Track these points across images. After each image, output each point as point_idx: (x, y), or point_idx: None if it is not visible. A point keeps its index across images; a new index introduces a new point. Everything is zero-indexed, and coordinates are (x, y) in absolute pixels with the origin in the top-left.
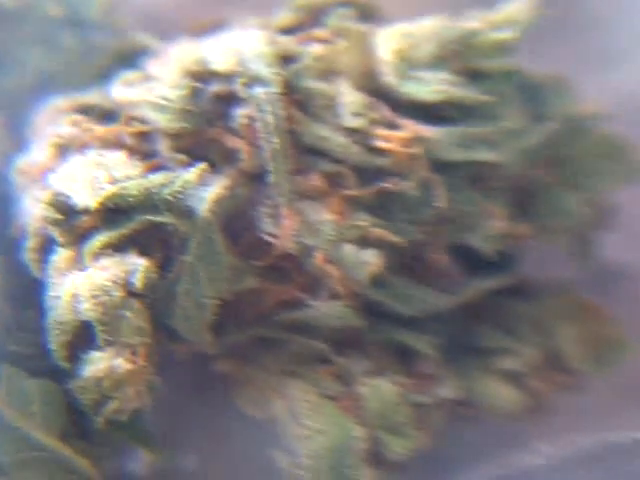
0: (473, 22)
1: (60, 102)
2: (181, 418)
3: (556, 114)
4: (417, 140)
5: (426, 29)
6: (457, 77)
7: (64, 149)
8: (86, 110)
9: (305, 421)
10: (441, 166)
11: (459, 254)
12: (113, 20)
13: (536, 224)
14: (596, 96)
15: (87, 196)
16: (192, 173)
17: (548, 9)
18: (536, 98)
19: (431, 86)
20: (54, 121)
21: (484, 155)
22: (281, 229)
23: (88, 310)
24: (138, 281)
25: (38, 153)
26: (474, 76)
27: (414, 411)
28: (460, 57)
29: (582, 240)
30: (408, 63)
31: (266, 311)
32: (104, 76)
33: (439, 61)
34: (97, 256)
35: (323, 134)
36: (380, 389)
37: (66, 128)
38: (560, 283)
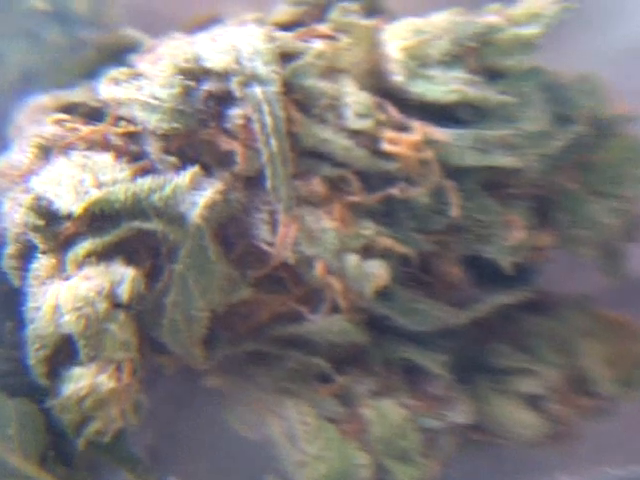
0: (491, 17)
1: (44, 100)
2: (168, 438)
3: (582, 115)
4: (428, 143)
5: (439, 24)
6: (472, 76)
7: (47, 150)
8: (71, 109)
9: (303, 445)
10: (454, 171)
11: (472, 265)
12: (100, 13)
13: (558, 234)
14: (625, 96)
15: (71, 201)
16: (183, 177)
17: (574, 2)
18: (560, 98)
19: (444, 85)
20: (37, 120)
21: (502, 160)
22: (279, 237)
23: (70, 323)
24: (124, 292)
25: (20, 154)
26: (491, 75)
27: (423, 436)
28: (477, 55)
29: (609, 252)
30: (419, 61)
31: (261, 324)
32: (91, 73)
33: (453, 59)
34: (81, 265)
35: (325, 136)
36: (385, 412)
37: (50, 128)
38: (583, 297)
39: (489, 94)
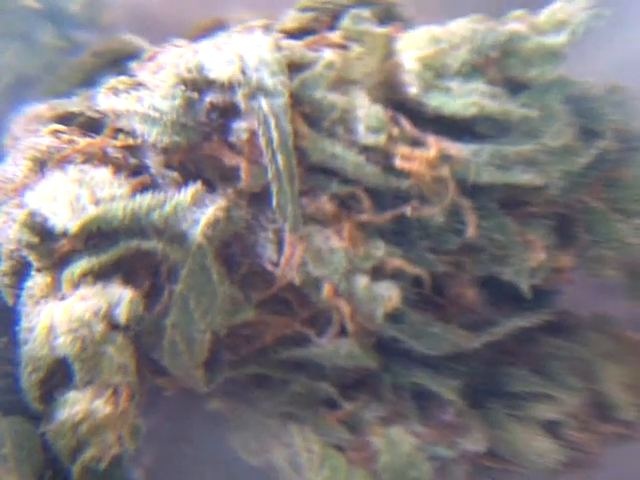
0: (514, 25)
1: (40, 109)
2: (168, 460)
3: (609, 129)
4: (443, 159)
5: (458, 33)
6: (493, 88)
7: (42, 163)
8: (68, 119)
9: (308, 474)
10: (471, 189)
11: (488, 287)
12: (95, 15)
13: (580, 255)
14: None
15: (67, 218)
16: (185, 194)
17: (606, 8)
18: (586, 111)
19: (462, 98)
20: (33, 130)
21: (522, 177)
22: (284, 257)
23: (65, 345)
24: (122, 313)
25: (14, 166)
26: (513, 87)
27: (433, 465)
28: (498, 65)
29: (634, 274)
30: (435, 72)
31: (265, 347)
32: (89, 80)
33: (472, 70)
34: (77, 284)
35: (335, 151)
36: (395, 439)
37: (45, 139)
38: (605, 318)
39: (510, 107)
